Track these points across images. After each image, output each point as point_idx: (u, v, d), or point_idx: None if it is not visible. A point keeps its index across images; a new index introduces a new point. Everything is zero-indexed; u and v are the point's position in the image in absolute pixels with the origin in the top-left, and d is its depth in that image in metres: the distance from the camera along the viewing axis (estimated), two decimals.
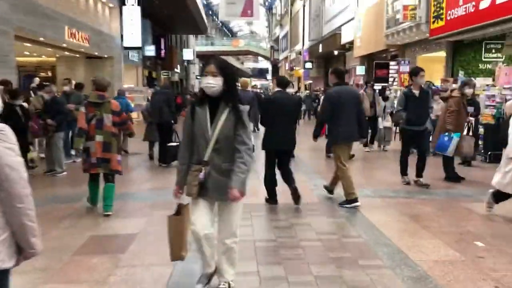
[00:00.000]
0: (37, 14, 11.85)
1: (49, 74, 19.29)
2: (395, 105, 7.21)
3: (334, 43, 24.40)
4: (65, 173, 7.98)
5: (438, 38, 13.15)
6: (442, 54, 14.18)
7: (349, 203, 5.62)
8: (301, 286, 3.39)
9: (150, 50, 24.47)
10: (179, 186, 3.12)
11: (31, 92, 9.86)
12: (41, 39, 12.75)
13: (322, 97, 8.62)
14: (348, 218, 5.21)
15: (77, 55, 17.38)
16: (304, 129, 14.18)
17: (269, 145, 5.70)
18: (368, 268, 3.69)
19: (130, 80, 22.13)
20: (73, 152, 8.95)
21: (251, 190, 6.42)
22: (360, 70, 20.74)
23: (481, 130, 9.27)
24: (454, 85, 11.68)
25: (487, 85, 10.38)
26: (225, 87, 2.96)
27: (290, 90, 9.10)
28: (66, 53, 16.53)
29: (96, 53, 17.40)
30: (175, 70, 32.64)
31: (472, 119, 7.81)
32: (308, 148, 10.50)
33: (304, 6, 33.02)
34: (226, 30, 71.29)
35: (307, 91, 29.82)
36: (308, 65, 31.07)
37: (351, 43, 21.63)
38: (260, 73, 74.00)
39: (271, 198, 5.79)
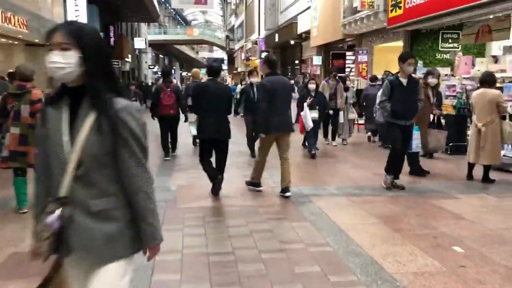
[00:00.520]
0: None
1: None
2: (379, 95, 6.37)
3: (290, 33, 23.97)
4: None
5: (396, 27, 12.93)
6: (400, 43, 14.03)
7: (253, 185, 5.97)
8: None
9: None
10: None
11: None
12: None
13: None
14: (313, 221, 4.69)
15: (15, 42, 16.00)
16: None
17: (201, 134, 5.83)
18: (340, 286, 3.19)
19: None
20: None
21: (204, 191, 5.99)
22: (317, 60, 20.40)
23: (442, 121, 9.07)
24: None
25: (446, 75, 10.23)
26: (87, 70, 1.70)
27: (254, 80, 8.51)
28: (3, 40, 15.16)
29: (37, 40, 16.07)
30: (126, 59, 31.26)
31: (438, 111, 7.52)
32: None
33: None
34: (180, 19, 69.38)
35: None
36: (264, 55, 30.55)
37: (308, 32, 21.26)
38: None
39: (214, 178, 5.76)
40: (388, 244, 4.05)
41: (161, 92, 8.30)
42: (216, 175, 5.72)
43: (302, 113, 8.50)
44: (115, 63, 28.00)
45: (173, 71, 34.17)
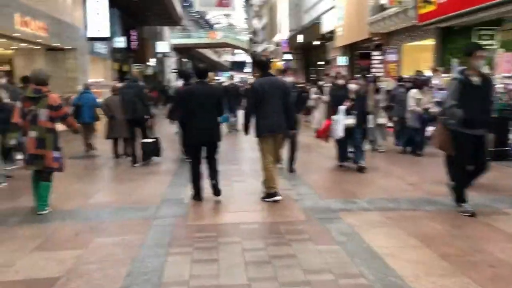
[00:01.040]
0: None
1: (8, 68, 17.72)
2: (447, 97, 4.96)
3: (314, 33, 23.29)
4: (5, 184, 6.65)
5: (428, 24, 12.13)
6: (430, 42, 13.22)
7: (269, 197, 5.47)
8: None
9: (120, 42, 23.04)
10: None
11: None
12: None
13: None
14: (344, 244, 4.03)
15: (36, 47, 15.86)
16: None
17: (189, 140, 5.63)
18: None
19: (98, 73, 20.63)
20: (19, 156, 7.60)
21: (213, 209, 5.38)
22: (341, 60, 19.62)
23: None
24: (443, 75, 10.77)
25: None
26: None
27: (288, 79, 7.70)
28: (23, 44, 15.03)
29: (57, 45, 15.89)
30: (149, 63, 31.13)
31: None
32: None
33: None
34: (203, 23, 69.35)
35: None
36: (287, 56, 29.88)
37: (332, 32, 20.54)
38: (238, 66, 72.51)
39: (197, 195, 5.59)
40: (435, 275, 3.37)
41: None
42: (211, 180, 5.62)
43: (334, 117, 7.29)
44: (137, 67, 27.87)
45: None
